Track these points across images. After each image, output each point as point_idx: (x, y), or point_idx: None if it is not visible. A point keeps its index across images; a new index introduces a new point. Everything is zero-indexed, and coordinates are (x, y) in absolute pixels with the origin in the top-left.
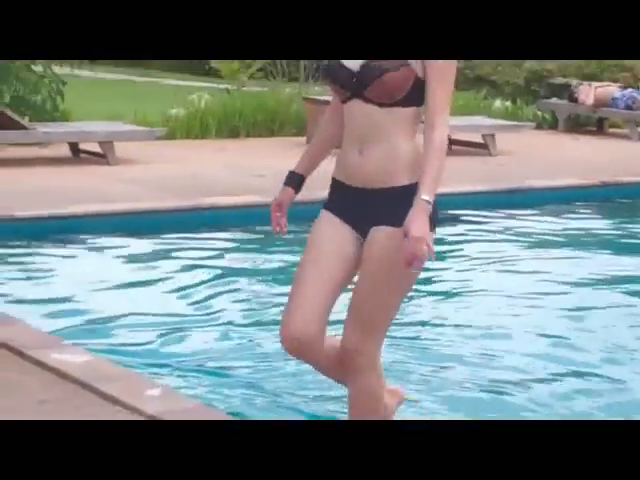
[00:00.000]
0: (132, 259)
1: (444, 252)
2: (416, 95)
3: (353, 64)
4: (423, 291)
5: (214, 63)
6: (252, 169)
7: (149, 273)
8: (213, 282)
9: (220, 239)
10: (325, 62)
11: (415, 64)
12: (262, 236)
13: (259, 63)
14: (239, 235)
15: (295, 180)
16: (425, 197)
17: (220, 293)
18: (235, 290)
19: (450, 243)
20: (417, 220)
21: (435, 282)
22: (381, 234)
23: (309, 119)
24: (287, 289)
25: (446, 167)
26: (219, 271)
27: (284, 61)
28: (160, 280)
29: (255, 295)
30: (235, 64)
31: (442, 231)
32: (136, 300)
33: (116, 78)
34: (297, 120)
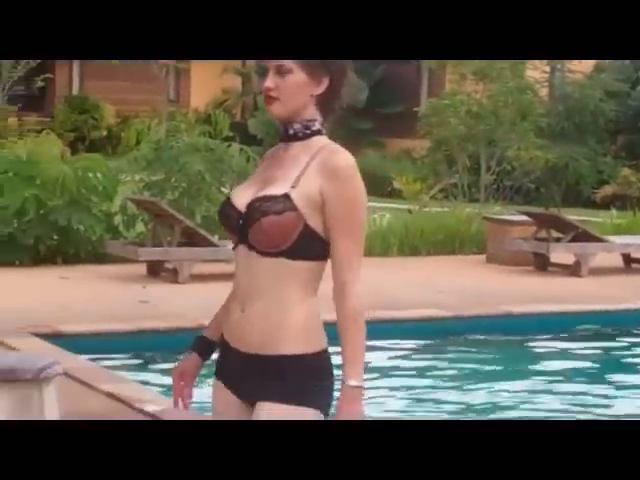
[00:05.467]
0: None
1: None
2: (307, 247)
3: (242, 203)
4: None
5: (396, 184)
6: (433, 285)
7: None
8: None
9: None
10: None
11: (306, 209)
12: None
13: (441, 184)
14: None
15: (202, 345)
16: (353, 383)
17: None
18: None
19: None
20: (348, 414)
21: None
22: (262, 412)
23: (489, 238)
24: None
25: (630, 283)
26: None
27: (465, 182)
28: None
29: None
30: (417, 185)
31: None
32: None
33: None
34: (477, 239)
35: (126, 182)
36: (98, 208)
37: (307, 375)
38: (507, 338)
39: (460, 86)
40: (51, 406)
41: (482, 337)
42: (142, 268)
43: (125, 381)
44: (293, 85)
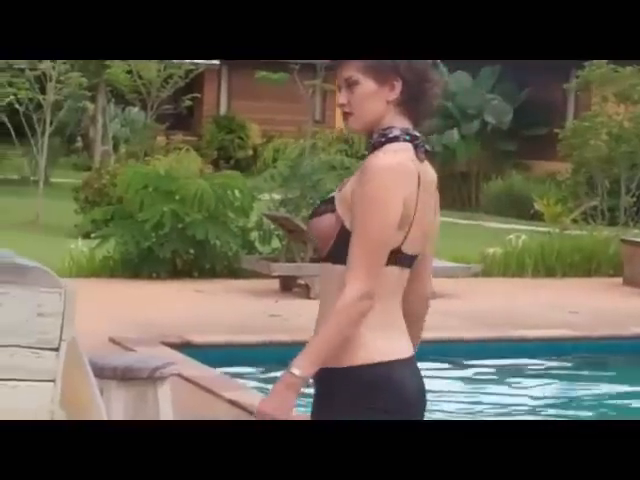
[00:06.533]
0: None
1: None
2: (346, 250)
3: None
4: None
5: (538, 206)
6: (566, 306)
7: None
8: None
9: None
10: None
11: (342, 210)
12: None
13: (582, 207)
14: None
15: None
16: (295, 371)
17: None
18: None
19: None
20: (271, 396)
21: None
22: None
23: (625, 260)
24: None
25: None
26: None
27: (605, 205)
28: None
29: None
30: (558, 207)
31: None
32: None
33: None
34: (614, 261)
35: (263, 199)
36: (235, 224)
37: (333, 390)
38: (636, 359)
39: (602, 108)
40: (166, 403)
41: (611, 357)
42: (275, 283)
43: (248, 390)
44: (362, 96)
